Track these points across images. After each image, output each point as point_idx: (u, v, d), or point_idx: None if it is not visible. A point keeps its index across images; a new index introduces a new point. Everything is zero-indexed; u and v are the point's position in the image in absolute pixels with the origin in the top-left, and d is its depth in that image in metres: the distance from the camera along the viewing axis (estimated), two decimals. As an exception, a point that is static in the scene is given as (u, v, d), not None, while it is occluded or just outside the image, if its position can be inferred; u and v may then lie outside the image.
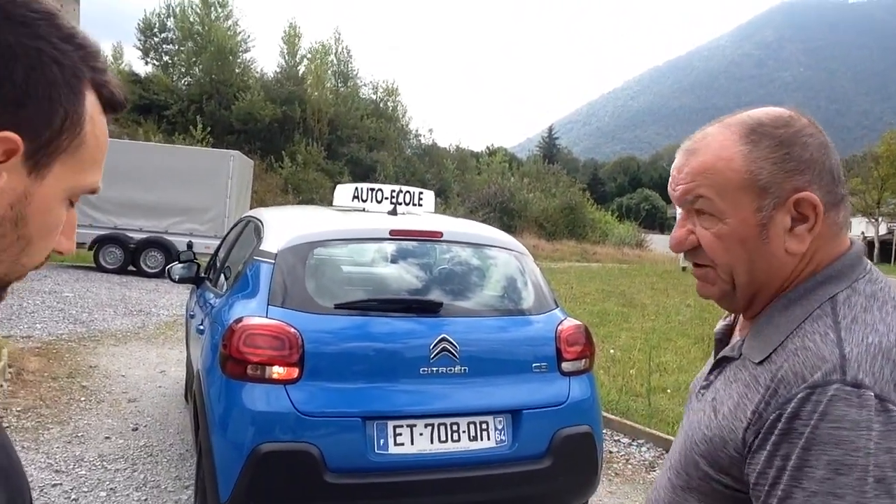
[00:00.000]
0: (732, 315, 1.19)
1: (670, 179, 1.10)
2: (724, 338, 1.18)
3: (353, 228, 3.66)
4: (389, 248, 3.67)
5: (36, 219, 0.65)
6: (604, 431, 5.67)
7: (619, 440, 5.68)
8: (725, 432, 0.97)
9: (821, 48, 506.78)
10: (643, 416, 5.88)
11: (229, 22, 36.95)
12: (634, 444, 5.58)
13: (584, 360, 3.55)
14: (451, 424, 3.19)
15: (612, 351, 8.55)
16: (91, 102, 0.66)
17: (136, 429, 5.25)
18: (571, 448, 3.37)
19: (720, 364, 1.10)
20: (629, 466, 5.17)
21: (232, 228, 5.31)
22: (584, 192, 46.34)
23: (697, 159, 1.03)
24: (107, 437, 5.02)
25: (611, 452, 5.39)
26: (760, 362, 0.98)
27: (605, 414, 5.88)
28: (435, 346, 3.18)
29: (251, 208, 17.88)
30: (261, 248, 3.54)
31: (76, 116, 0.65)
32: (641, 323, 11.26)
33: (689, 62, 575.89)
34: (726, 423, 0.98)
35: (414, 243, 3.64)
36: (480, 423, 3.23)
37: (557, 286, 15.94)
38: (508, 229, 34.49)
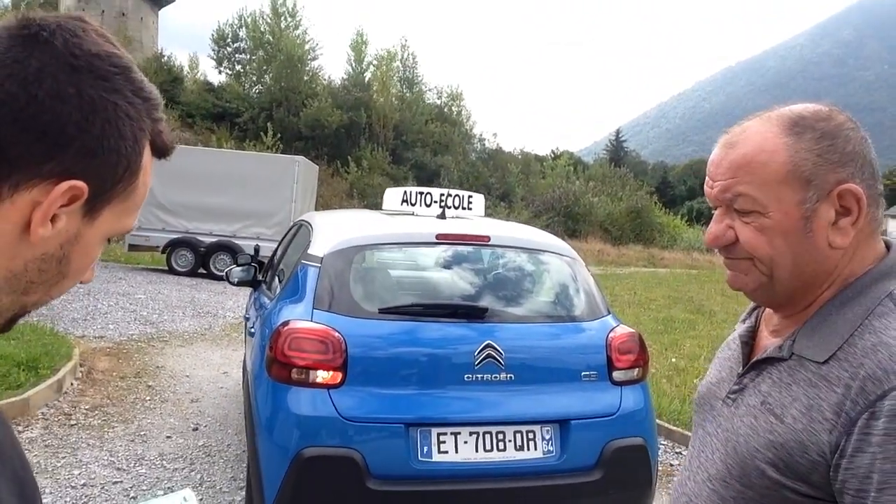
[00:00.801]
0: (753, 317, 1.16)
1: (707, 174, 1.07)
2: (748, 340, 1.15)
3: (399, 232, 3.63)
4: (436, 252, 3.62)
5: (77, 258, 0.69)
6: (665, 443, 5.49)
7: (680, 452, 5.47)
8: (803, 436, 0.92)
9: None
10: (706, 428, 5.65)
11: (298, 31, 37.90)
12: (696, 456, 5.36)
13: (636, 370, 3.42)
14: (497, 433, 3.11)
15: (673, 360, 8.28)
16: (147, 154, 0.70)
17: (197, 429, 5.37)
18: (623, 461, 3.24)
19: (756, 367, 1.06)
20: (690, 480, 4.98)
21: (287, 231, 5.38)
22: (652, 195, 45.27)
23: (738, 152, 1.02)
24: (168, 437, 5.15)
25: (672, 465, 5.20)
26: (825, 361, 0.94)
27: (666, 425, 5.69)
28: (479, 352, 3.12)
29: (316, 213, 18.23)
30: (308, 251, 3.55)
31: (135, 167, 0.69)
32: (709, 330, 10.88)
33: (763, 62, 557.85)
34: (801, 426, 0.93)
35: (460, 248, 3.58)
36: (527, 432, 3.15)
37: (622, 292, 15.61)
38: (573, 234, 34.14)
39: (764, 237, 1.00)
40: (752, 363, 1.07)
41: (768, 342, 1.09)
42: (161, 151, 0.73)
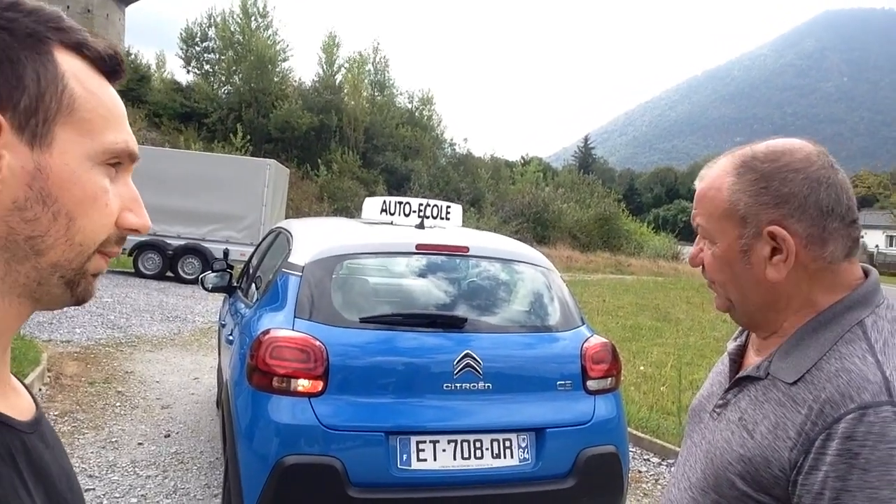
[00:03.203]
0: (744, 335, 1.23)
1: None
2: (737, 357, 1.21)
3: (379, 242, 3.68)
4: (415, 262, 3.68)
5: (64, 192, 0.63)
6: (633, 450, 5.60)
7: (648, 459, 5.59)
8: (768, 452, 0.99)
9: (864, 58, 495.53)
10: (674, 436, 5.79)
11: (269, 32, 37.56)
12: (664, 463, 5.49)
13: (610, 379, 3.51)
14: (475, 441, 3.18)
15: (641, 368, 8.44)
16: (68, 61, 0.65)
17: (169, 435, 5.34)
18: (596, 468, 3.33)
19: (739, 384, 1.13)
20: (658, 487, 5.09)
21: (264, 238, 5.38)
22: (620, 202, 45.86)
23: (701, 184, 1.14)
24: (140, 444, 5.11)
25: (640, 472, 5.32)
26: (794, 383, 1.00)
27: (634, 432, 5.81)
28: (458, 361, 3.18)
29: (286, 216, 18.13)
30: (289, 260, 3.58)
31: (50, 75, 0.63)
32: (675, 338, 11.10)
33: (729, 72, 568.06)
34: (767, 442, 0.99)
35: (440, 258, 3.65)
36: (504, 440, 3.22)
37: (590, 299, 15.80)
38: (542, 240, 34.35)
39: (716, 264, 1.11)
40: (735, 380, 1.14)
41: (752, 360, 1.15)
42: (102, 62, 0.68)
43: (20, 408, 0.70)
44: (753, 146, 1.10)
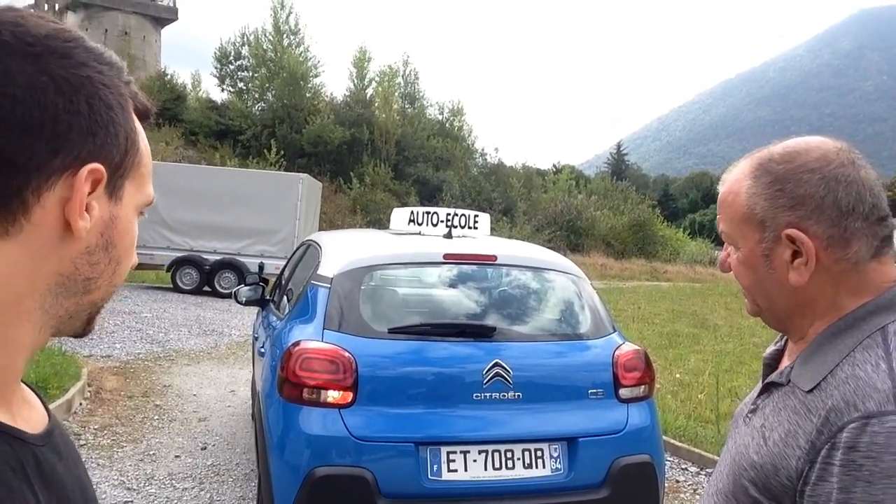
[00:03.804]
0: (783, 339, 1.20)
1: None
2: (772, 362, 1.19)
3: (407, 252, 3.69)
4: (443, 272, 3.68)
5: (121, 240, 0.69)
6: (671, 459, 5.51)
7: (686, 468, 5.49)
8: (777, 459, 0.97)
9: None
10: (713, 444, 5.67)
11: (301, 48, 38.10)
12: (703, 473, 5.38)
13: (643, 387, 3.46)
14: (506, 451, 3.15)
15: (677, 375, 8.30)
16: (135, 117, 0.69)
17: (205, 448, 5.40)
18: (630, 478, 3.27)
19: (768, 389, 1.11)
20: (696, 497, 4.99)
21: (295, 251, 5.43)
22: (654, 208, 45.32)
23: (722, 190, 1.12)
24: (177, 456, 5.18)
25: (678, 482, 5.22)
26: (810, 390, 0.98)
27: (671, 441, 5.71)
28: (488, 370, 3.16)
29: (320, 229, 18.31)
30: (318, 272, 3.61)
31: (133, 134, 0.68)
32: (713, 345, 10.90)
33: (763, 74, 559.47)
34: (777, 450, 0.98)
35: (468, 267, 3.64)
36: (535, 450, 3.18)
37: (625, 306, 15.62)
38: (575, 248, 34.10)
39: (741, 269, 1.10)
40: (764, 385, 1.12)
41: (783, 366, 1.13)
42: (143, 113, 0.72)
43: (33, 420, 0.71)
44: (771, 147, 1.08)
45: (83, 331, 0.73)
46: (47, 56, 0.62)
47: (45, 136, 0.61)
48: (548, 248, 4.47)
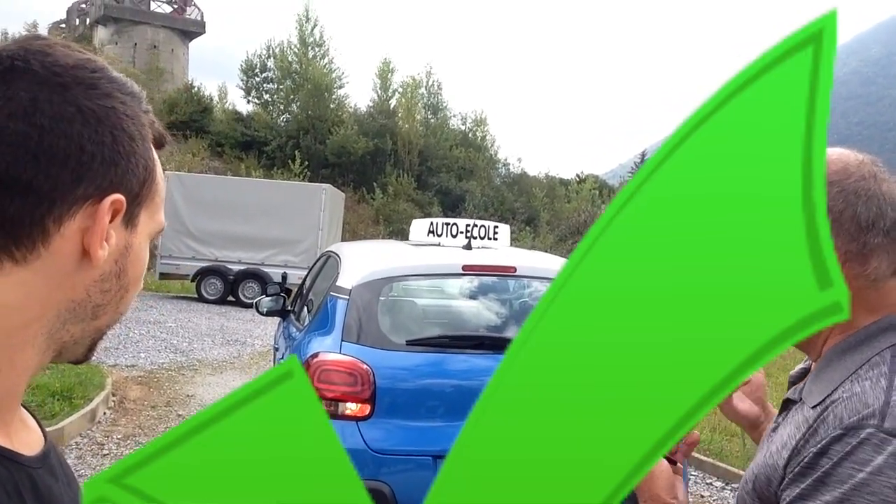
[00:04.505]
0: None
1: None
2: (796, 381, 1.18)
3: (425, 264, 3.67)
4: (462, 283, 3.65)
5: (132, 268, 0.69)
6: (695, 473, 5.41)
7: (711, 483, 5.39)
8: (769, 470, 0.99)
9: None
10: (738, 458, 5.56)
11: (325, 60, 38.42)
12: (728, 487, 5.28)
13: (665, 401, 3.40)
14: (525, 465, 3.11)
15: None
16: (152, 146, 0.70)
17: (226, 458, 5.41)
18: (653, 493, 3.21)
19: (786, 406, 1.10)
20: (722, 512, 4.89)
21: (315, 262, 5.44)
22: (680, 218, 44.87)
23: None
24: (197, 466, 5.19)
25: (702, 497, 5.12)
26: (814, 406, 0.98)
27: (696, 455, 5.61)
28: (507, 384, 3.12)
29: (343, 239, 18.39)
30: (337, 283, 3.60)
31: (151, 164, 0.69)
32: (739, 356, 10.73)
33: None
34: (771, 461, 0.99)
35: (487, 279, 3.61)
36: (555, 464, 3.14)
37: (650, 317, 15.46)
38: (599, 258, 33.86)
39: None
40: (783, 402, 1.10)
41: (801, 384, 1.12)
42: (159, 142, 0.72)
43: (29, 442, 0.72)
44: None
45: (84, 357, 0.73)
46: (74, 87, 0.62)
47: (69, 165, 0.61)
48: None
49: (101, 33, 39.14)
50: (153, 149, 0.70)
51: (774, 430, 1.10)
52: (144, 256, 0.71)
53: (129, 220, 0.67)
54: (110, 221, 0.64)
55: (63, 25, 41.36)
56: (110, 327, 0.72)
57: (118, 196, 0.64)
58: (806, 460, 0.90)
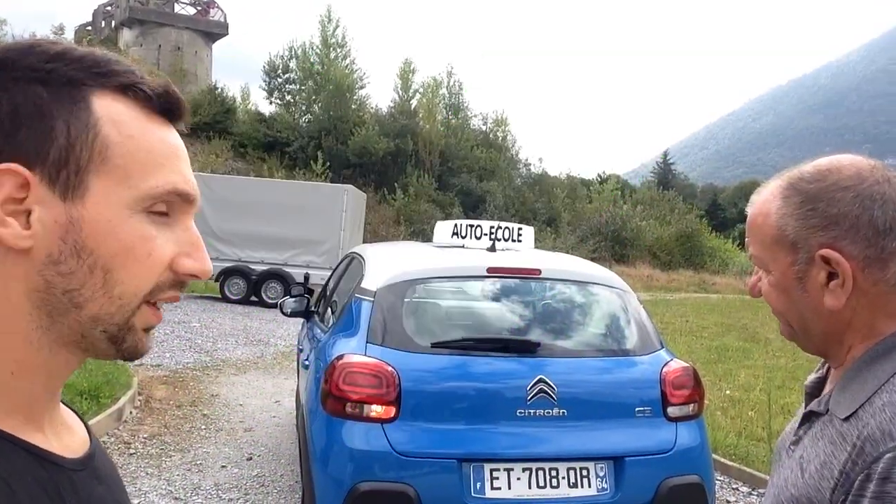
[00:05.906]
0: (825, 367, 1.16)
1: None
2: (814, 391, 1.14)
3: (450, 266, 3.67)
4: (487, 286, 3.65)
5: (101, 244, 0.62)
6: (720, 479, 5.35)
7: (737, 489, 5.33)
8: (812, 492, 0.94)
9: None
10: (764, 463, 5.49)
11: (347, 61, 38.62)
12: (755, 493, 5.22)
13: (692, 405, 3.37)
14: (550, 469, 3.10)
15: (727, 391, 8.08)
16: (109, 106, 0.63)
17: (251, 458, 5.45)
18: (679, 499, 3.19)
19: (808, 419, 1.07)
20: (748, 517, 4.84)
21: (339, 263, 5.47)
22: (702, 218, 44.44)
23: (751, 211, 1.08)
24: (223, 466, 5.24)
25: (728, 502, 5.07)
26: (847, 418, 0.94)
27: (721, 460, 5.55)
28: (532, 387, 3.12)
29: (364, 240, 18.44)
30: (362, 285, 3.62)
31: (81, 124, 0.61)
32: (764, 360, 10.61)
33: (815, 80, 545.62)
34: (813, 482, 0.94)
35: (512, 281, 3.60)
36: (581, 469, 3.12)
37: (672, 319, 15.33)
38: (621, 259, 33.64)
39: (774, 293, 1.05)
40: (805, 414, 1.08)
41: (823, 394, 1.09)
42: (146, 99, 0.65)
43: (72, 445, 0.71)
44: (801, 166, 1.04)
45: (118, 353, 0.67)
46: None
47: None
48: (592, 259, 4.40)
49: (127, 35, 39.68)
50: (105, 108, 0.63)
51: (796, 443, 1.08)
52: (121, 229, 0.62)
53: (66, 190, 0.60)
54: (22, 196, 0.59)
55: (89, 28, 41.92)
56: (116, 317, 0.64)
57: (11, 165, 0.58)
58: (870, 487, 0.84)
